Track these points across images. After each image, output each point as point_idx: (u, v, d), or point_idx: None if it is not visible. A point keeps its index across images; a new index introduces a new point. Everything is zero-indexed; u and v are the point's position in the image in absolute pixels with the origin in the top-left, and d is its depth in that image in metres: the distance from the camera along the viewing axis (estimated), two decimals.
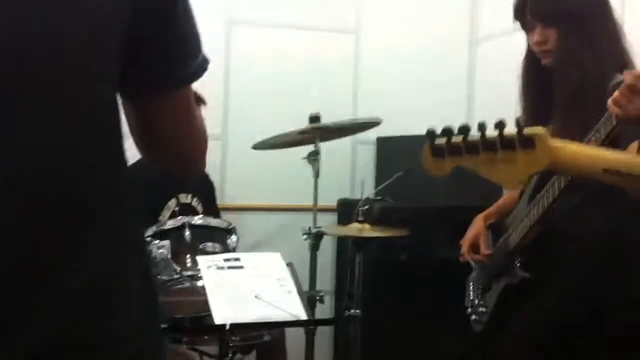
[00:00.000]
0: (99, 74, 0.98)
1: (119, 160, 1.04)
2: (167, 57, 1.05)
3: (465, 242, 2.50)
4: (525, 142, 1.03)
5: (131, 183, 1.07)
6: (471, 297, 2.52)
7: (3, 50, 0.90)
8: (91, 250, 0.97)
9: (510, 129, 1.05)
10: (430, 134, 1.10)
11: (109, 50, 0.98)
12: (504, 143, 1.05)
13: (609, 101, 1.65)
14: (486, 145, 1.06)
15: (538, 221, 2.07)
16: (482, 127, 1.05)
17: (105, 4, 0.96)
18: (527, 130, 1.04)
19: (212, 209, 3.49)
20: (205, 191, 3.49)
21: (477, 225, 2.51)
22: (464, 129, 1.07)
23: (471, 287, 2.55)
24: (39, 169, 0.92)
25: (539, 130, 1.05)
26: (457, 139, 1.08)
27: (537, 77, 2.22)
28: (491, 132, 1.05)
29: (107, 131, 1.01)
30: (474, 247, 2.46)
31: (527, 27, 2.20)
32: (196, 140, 1.17)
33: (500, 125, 1.03)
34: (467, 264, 2.56)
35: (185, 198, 3.41)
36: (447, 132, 1.08)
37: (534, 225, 2.09)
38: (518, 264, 2.22)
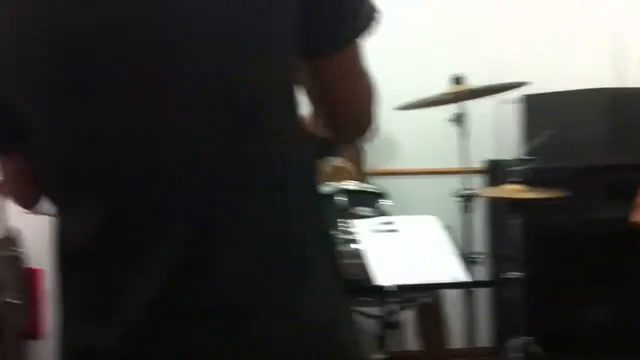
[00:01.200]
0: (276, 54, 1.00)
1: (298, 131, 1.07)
2: (330, 15, 1.02)
3: None
4: None
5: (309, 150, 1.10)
6: None
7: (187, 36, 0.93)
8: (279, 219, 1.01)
9: None
10: None
11: (285, 31, 0.99)
12: None
13: None
14: None
15: None
16: None
17: None
18: None
19: (361, 171, 3.51)
20: (355, 154, 3.50)
21: None
22: None
23: None
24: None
25: None
26: None
27: None
28: None
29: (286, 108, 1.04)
30: None
31: None
32: (367, 97, 1.15)
33: None
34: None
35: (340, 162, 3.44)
36: None
37: None
38: None
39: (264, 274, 1.00)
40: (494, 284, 2.47)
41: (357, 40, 1.06)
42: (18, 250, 3.07)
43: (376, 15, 1.06)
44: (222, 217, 0.98)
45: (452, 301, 3.09)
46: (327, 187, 2.92)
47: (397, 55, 3.83)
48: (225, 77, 0.96)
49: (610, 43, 4.02)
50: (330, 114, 1.14)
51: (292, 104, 1.05)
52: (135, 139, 0.96)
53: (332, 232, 1.16)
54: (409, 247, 2.38)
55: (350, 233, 2.62)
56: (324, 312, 1.04)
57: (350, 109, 1.14)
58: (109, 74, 0.94)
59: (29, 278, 3.50)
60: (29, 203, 1.11)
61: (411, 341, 3.22)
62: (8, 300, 2.89)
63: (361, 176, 3.45)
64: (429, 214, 2.52)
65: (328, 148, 3.05)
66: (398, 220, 2.53)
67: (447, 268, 2.26)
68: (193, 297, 0.97)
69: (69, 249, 1.04)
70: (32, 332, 3.49)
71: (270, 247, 1.01)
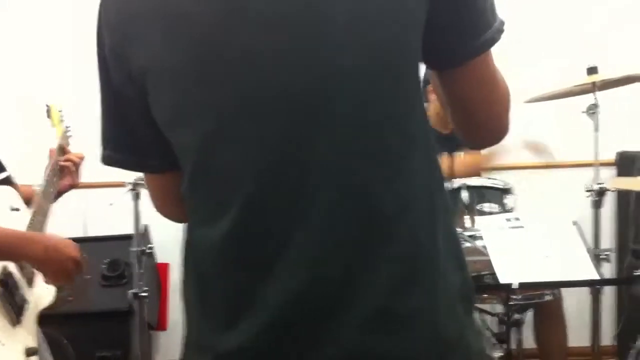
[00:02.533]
0: (405, 72, 1.00)
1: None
2: (461, 28, 1.04)
3: None
4: None
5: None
6: None
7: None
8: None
9: None
10: None
11: (414, 44, 1.00)
12: None
13: None
14: None
15: None
16: None
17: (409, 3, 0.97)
18: None
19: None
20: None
21: None
22: None
23: None
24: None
25: None
26: None
27: None
28: None
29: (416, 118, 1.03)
30: None
31: None
32: (501, 104, 1.13)
33: None
34: None
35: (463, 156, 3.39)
36: None
37: None
38: None
39: (410, 284, 0.98)
40: (622, 281, 2.36)
41: (490, 47, 1.06)
42: (148, 245, 3.18)
43: (504, 26, 1.08)
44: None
45: (577, 298, 2.98)
46: (452, 183, 2.88)
47: (534, 47, 3.73)
48: (376, 92, 0.97)
49: None
50: (465, 121, 1.14)
51: (423, 113, 1.05)
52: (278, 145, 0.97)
53: (460, 242, 1.13)
54: (534, 244, 2.31)
55: (475, 230, 2.58)
56: (453, 327, 1.02)
57: (485, 116, 1.12)
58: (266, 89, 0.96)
59: (157, 272, 3.64)
60: (182, 219, 1.13)
61: (531, 339, 3.14)
62: (137, 292, 3.01)
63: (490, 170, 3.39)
64: (560, 208, 2.45)
65: (454, 143, 3.04)
66: (524, 217, 2.46)
67: (575, 266, 2.18)
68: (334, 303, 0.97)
69: (200, 250, 1.05)
70: (159, 323, 3.63)
71: (421, 258, 1.00)
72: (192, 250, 1.07)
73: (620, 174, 3.71)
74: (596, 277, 2.14)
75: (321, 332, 0.97)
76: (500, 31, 1.07)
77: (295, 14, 0.94)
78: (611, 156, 3.79)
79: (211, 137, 0.99)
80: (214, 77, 0.97)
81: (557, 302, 3.01)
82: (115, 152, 1.12)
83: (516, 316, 2.79)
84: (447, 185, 2.83)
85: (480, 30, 1.05)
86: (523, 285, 2.15)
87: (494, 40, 1.06)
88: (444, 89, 1.11)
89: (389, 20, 0.96)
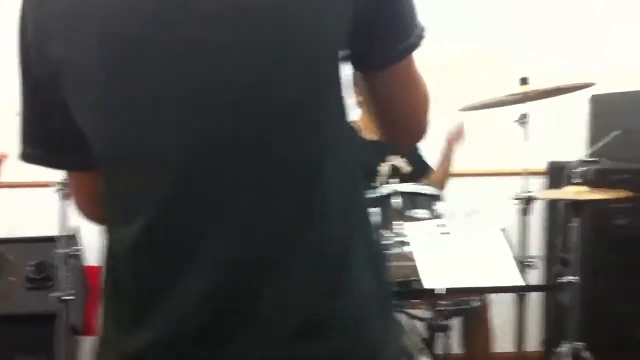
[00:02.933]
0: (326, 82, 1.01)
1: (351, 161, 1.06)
2: (385, 33, 1.06)
3: None
4: None
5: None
6: None
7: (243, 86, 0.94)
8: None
9: None
10: None
11: (334, 53, 1.00)
12: None
13: None
14: None
15: None
16: None
17: (324, 10, 0.97)
18: None
19: (420, 170, 3.47)
20: (413, 154, 3.46)
21: None
22: None
23: None
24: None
25: None
26: None
27: None
28: None
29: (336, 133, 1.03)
30: None
31: None
32: (422, 106, 1.17)
33: None
34: None
35: (395, 161, 3.41)
36: None
37: None
38: None
39: (327, 287, 0.98)
40: (548, 288, 2.39)
41: (411, 52, 1.10)
42: (74, 247, 3.11)
43: (424, 33, 1.11)
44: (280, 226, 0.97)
45: (505, 304, 3.02)
46: (382, 189, 2.89)
47: (466, 57, 3.79)
48: (279, 84, 0.96)
49: None
50: (388, 122, 1.19)
51: (341, 110, 1.05)
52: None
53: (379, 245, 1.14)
54: (461, 250, 2.33)
55: (404, 235, 2.59)
56: (374, 329, 1.03)
57: (406, 117, 1.17)
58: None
59: (84, 275, 3.56)
60: (103, 220, 1.10)
61: (457, 345, 3.18)
62: (62, 295, 2.94)
63: (421, 174, 3.42)
64: (487, 216, 2.47)
65: (382, 150, 3.04)
66: (453, 223, 2.48)
67: (501, 272, 2.20)
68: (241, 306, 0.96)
69: (114, 251, 1.04)
70: (87, 327, 3.55)
71: (336, 263, 1.00)
72: (108, 251, 1.05)
73: (551, 183, 3.78)
74: (521, 283, 2.16)
75: (231, 336, 0.96)
76: (421, 37, 1.10)
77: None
78: (542, 166, 3.87)
79: (124, 136, 0.97)
80: (128, 77, 0.95)
81: (485, 308, 3.04)
82: (35, 149, 1.09)
83: (443, 322, 2.81)
84: (377, 190, 2.84)
85: (404, 35, 1.08)
86: (448, 291, 2.16)
87: (415, 45, 1.09)
88: (368, 90, 1.14)
89: (313, 20, 0.96)
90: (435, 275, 2.23)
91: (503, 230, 2.38)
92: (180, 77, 0.94)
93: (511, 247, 2.35)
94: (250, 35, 0.93)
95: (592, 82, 2.93)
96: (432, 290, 2.15)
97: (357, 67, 1.10)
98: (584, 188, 2.78)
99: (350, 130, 1.09)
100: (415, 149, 3.52)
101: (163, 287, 0.97)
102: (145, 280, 0.99)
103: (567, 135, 3.90)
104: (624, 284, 3.32)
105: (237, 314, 0.96)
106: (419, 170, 3.45)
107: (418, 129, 1.19)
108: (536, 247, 3.85)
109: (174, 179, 0.96)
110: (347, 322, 0.99)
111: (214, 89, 0.94)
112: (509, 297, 2.92)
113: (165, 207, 0.97)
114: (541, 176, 3.87)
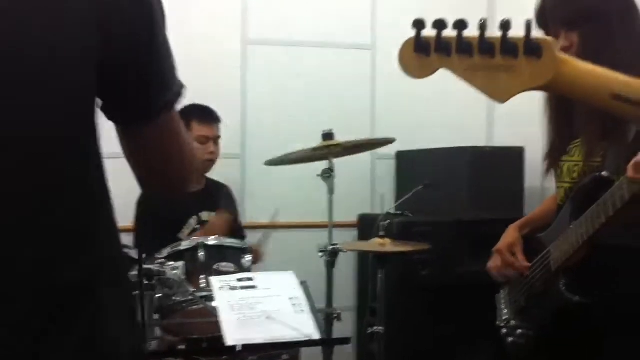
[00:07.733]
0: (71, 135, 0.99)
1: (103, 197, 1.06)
2: (144, 87, 1.06)
3: (500, 252, 2.28)
4: (530, 48, 0.90)
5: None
6: (505, 317, 2.30)
7: None
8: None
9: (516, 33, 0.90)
10: (418, 23, 0.93)
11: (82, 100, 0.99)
12: (506, 47, 0.90)
13: (630, 167, 1.44)
14: (484, 46, 0.91)
15: (590, 239, 1.81)
16: (483, 26, 0.91)
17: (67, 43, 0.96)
18: (536, 38, 0.91)
19: (235, 225, 3.46)
20: (228, 208, 3.44)
21: (511, 234, 2.29)
22: (461, 24, 0.91)
23: (503, 305, 2.35)
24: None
25: (547, 39, 0.92)
26: (449, 34, 0.92)
27: None
28: (492, 33, 0.92)
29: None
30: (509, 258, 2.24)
31: (552, 34, 1.96)
32: (184, 163, 1.17)
33: (505, 26, 0.89)
34: (491, 276, 2.37)
35: (207, 216, 3.39)
36: (439, 24, 0.92)
37: (583, 245, 1.84)
38: (563, 287, 1.96)
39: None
40: (348, 340, 2.42)
41: (170, 109, 1.10)
42: None
43: (183, 88, 1.12)
44: None
45: (313, 357, 3.04)
46: (188, 242, 2.85)
47: (274, 111, 3.86)
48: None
49: (480, 101, 4.14)
50: (147, 173, 1.17)
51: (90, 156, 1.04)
52: None
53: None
54: (264, 304, 2.32)
55: (209, 290, 2.55)
56: None
57: (173, 168, 1.16)
58: None
59: None
60: None
61: None
62: None
63: (235, 228, 3.41)
64: (299, 268, 2.47)
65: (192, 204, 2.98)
66: (257, 277, 2.47)
67: (300, 325, 2.21)
68: None
69: None
70: None
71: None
72: None
73: (361, 235, 3.89)
74: (317, 337, 2.17)
75: None
76: (180, 94, 1.11)
77: None
78: (353, 218, 3.97)
79: None
80: None
81: None
82: None
83: None
84: (182, 244, 2.80)
85: (163, 89, 1.08)
86: (247, 347, 2.13)
87: (174, 102, 1.10)
88: (127, 142, 1.12)
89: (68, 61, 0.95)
90: (237, 330, 2.20)
91: (303, 283, 2.40)
92: None
93: (311, 300, 2.36)
94: None
95: (393, 137, 3.06)
96: (231, 347, 2.12)
97: (116, 120, 1.09)
98: (388, 240, 2.87)
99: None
100: (231, 203, 3.51)
101: None
102: None
103: (378, 189, 4.05)
104: (432, 333, 3.43)
105: None
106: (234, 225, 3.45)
107: (181, 181, 1.20)
108: (349, 297, 3.94)
109: None
110: None
111: None
112: (318, 350, 2.94)
113: None
114: (353, 228, 3.97)
